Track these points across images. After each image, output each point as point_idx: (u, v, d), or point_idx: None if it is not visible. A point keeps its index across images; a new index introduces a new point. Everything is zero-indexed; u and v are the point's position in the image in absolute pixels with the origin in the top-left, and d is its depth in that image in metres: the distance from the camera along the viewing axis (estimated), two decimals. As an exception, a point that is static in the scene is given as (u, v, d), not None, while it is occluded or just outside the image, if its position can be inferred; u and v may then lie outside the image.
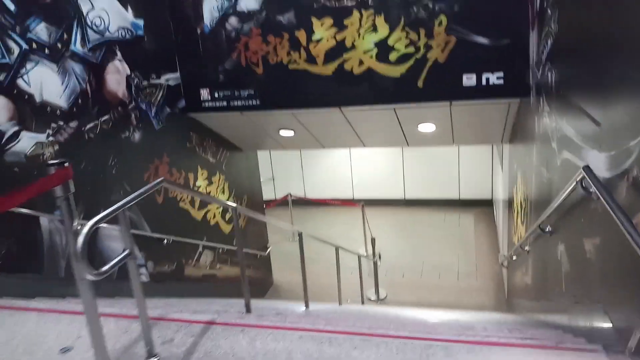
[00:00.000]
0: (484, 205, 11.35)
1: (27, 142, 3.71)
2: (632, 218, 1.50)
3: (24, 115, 3.71)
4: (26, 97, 3.72)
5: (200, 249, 6.11)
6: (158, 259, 5.31)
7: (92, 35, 4.39)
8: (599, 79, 2.13)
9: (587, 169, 1.97)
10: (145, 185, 2.28)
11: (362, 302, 6.97)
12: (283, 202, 10.78)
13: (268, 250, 8.13)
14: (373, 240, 7.92)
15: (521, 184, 5.08)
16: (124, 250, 2.23)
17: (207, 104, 5.68)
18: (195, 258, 6.03)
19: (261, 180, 12.02)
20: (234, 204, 3.59)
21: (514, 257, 5.75)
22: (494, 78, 4.83)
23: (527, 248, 4.64)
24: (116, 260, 2.16)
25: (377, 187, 11.99)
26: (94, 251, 4.37)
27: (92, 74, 4.37)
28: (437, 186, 11.63)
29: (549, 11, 3.24)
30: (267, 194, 12.19)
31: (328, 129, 6.22)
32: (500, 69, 4.77)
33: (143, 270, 5.10)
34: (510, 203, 6.31)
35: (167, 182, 2.59)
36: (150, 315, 2.39)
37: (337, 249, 5.63)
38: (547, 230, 3.33)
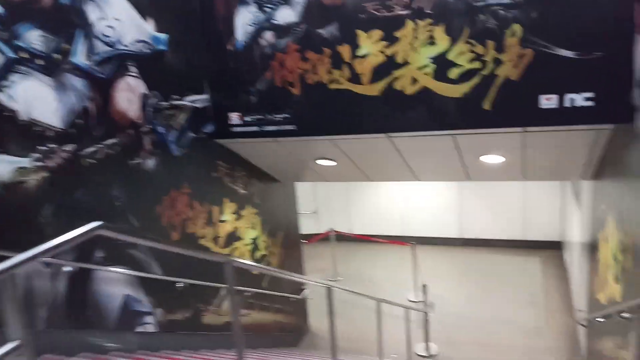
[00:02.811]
0: (552, 248, 10.09)
1: (4, 167, 3.08)
2: None
3: (1, 134, 3.09)
4: (7, 113, 3.11)
5: (224, 293, 5.34)
6: (170, 306, 4.58)
7: (100, 47, 3.79)
8: None
9: None
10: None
11: (411, 361, 5.98)
12: (326, 238, 9.93)
13: (304, 293, 7.27)
14: (424, 287, 6.93)
15: (615, 231, 4.04)
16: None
17: (236, 129, 4.98)
18: (216, 304, 5.26)
19: (304, 213, 11.29)
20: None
21: (600, 319, 4.67)
22: (580, 99, 3.87)
23: (626, 315, 3.59)
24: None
25: (431, 224, 10.95)
26: (85, 296, 3.69)
27: (98, 91, 3.75)
28: (498, 224, 10.47)
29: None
30: (310, 227, 11.40)
31: (375, 159, 5.39)
32: (589, 89, 3.82)
33: (149, 318, 4.37)
34: (592, 250, 5.22)
35: (107, 229, 1.81)
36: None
37: (378, 303, 4.71)
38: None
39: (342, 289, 4.51)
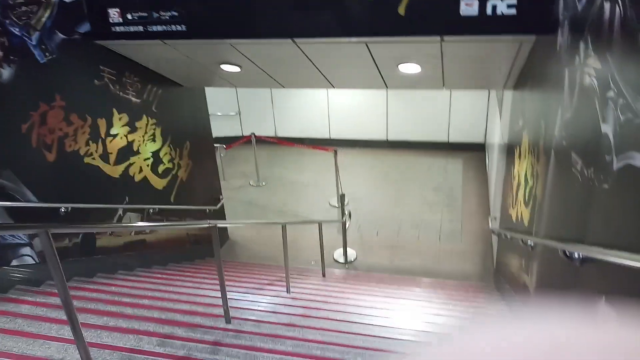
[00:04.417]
0: (475, 150, 10.14)
1: None
2: None
3: None
4: None
5: (121, 212, 4.90)
6: (53, 234, 4.11)
7: None
8: None
9: None
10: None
11: (323, 272, 5.91)
12: (249, 141, 9.46)
13: (220, 203, 6.94)
14: (342, 197, 6.75)
15: (528, 152, 3.84)
16: None
17: (117, 29, 4.23)
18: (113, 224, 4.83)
19: (225, 115, 10.67)
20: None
21: (509, 236, 4.65)
22: (503, 6, 3.44)
23: (531, 243, 3.50)
24: None
25: (357, 127, 10.66)
26: None
27: None
28: (424, 126, 10.32)
29: None
30: (232, 130, 10.89)
31: (284, 65, 4.83)
32: (513, -6, 3.38)
33: (26, 250, 3.91)
34: (508, 164, 5.10)
35: None
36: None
37: (283, 227, 4.42)
38: (577, 257, 2.14)
39: (230, 224, 4.14)
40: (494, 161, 7.46)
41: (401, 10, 3.58)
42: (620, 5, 1.75)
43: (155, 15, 4.10)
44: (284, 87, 5.73)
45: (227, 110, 10.69)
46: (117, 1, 4.14)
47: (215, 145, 7.38)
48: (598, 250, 1.73)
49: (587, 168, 2.07)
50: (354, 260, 7.02)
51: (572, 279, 2.23)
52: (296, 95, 10.55)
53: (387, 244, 7.35)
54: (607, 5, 1.91)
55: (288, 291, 4.32)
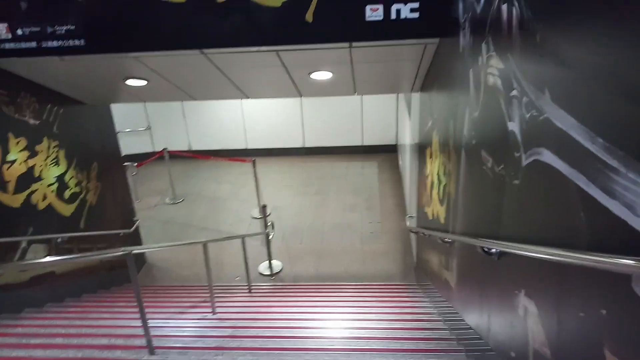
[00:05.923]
0: (389, 151, 10.46)
1: None
2: None
3: None
4: None
5: (25, 244, 4.51)
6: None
7: None
8: None
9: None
10: None
11: (249, 287, 5.78)
12: (162, 157, 9.10)
13: (135, 225, 6.61)
14: (264, 208, 6.66)
15: (439, 152, 3.98)
16: None
17: (7, 46, 3.89)
18: (16, 259, 4.43)
19: (135, 131, 10.23)
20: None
21: (427, 234, 4.79)
22: (406, 10, 3.54)
23: (448, 240, 3.61)
24: None
25: (274, 135, 10.63)
26: None
27: None
28: (339, 132, 10.50)
29: None
30: (144, 146, 10.46)
31: (194, 77, 4.68)
32: (415, -2, 3.49)
33: None
34: (421, 164, 5.27)
35: None
36: None
37: (204, 245, 4.26)
38: (494, 251, 2.22)
39: (146, 249, 3.94)
40: (407, 162, 7.71)
41: (309, 16, 3.59)
42: (517, 5, 1.83)
43: (50, 29, 3.81)
44: (196, 99, 5.56)
45: (136, 126, 10.25)
46: (4, 15, 3.82)
47: (125, 163, 7.03)
48: (511, 245, 1.80)
49: (498, 165, 2.16)
50: (280, 271, 6.94)
51: (491, 273, 2.31)
52: (209, 107, 10.33)
53: (312, 251, 7.35)
54: (504, 7, 2.00)
55: (214, 312, 4.16)
